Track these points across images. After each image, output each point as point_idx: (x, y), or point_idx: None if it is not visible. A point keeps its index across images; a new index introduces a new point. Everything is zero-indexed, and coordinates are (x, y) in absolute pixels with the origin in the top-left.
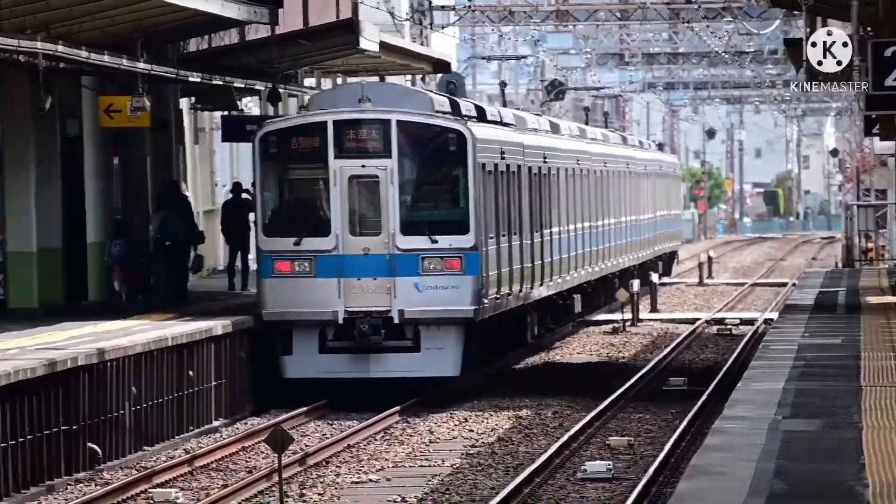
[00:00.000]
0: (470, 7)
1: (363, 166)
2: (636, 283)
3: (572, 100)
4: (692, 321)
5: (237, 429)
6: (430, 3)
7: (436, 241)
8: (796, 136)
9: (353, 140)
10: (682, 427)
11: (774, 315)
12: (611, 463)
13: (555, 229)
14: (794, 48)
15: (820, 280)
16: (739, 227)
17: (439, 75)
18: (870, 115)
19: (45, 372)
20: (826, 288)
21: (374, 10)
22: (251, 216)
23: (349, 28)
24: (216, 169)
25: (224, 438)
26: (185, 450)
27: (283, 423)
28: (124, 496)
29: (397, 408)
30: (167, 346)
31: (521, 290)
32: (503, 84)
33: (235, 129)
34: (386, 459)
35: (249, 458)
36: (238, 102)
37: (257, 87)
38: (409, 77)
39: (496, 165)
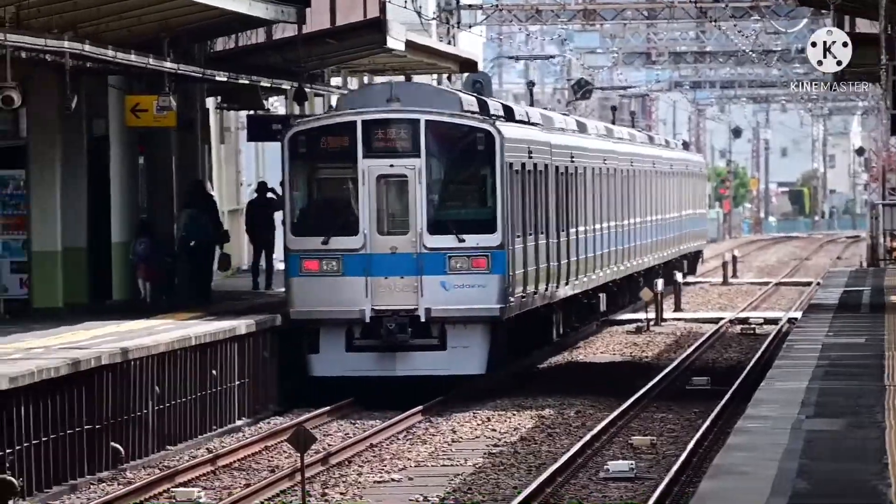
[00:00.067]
0: (497, 6)
1: (391, 166)
2: (660, 283)
3: (598, 99)
4: (716, 321)
5: (260, 428)
6: (458, 2)
7: (463, 240)
8: (822, 135)
9: (382, 140)
10: (704, 426)
11: (798, 314)
12: (633, 462)
13: (581, 228)
14: None
15: (844, 279)
16: (764, 226)
17: (465, 74)
18: None
19: (69, 371)
20: (850, 287)
21: (401, 9)
22: (276, 216)
23: (376, 27)
24: (241, 168)
25: (247, 438)
26: (207, 449)
27: (306, 423)
28: (147, 495)
29: (420, 407)
30: (190, 345)
31: (546, 289)
32: (531, 84)
33: (261, 129)
34: (408, 459)
35: (272, 457)
36: (264, 102)
37: (284, 87)
38: (435, 76)
39: (523, 165)
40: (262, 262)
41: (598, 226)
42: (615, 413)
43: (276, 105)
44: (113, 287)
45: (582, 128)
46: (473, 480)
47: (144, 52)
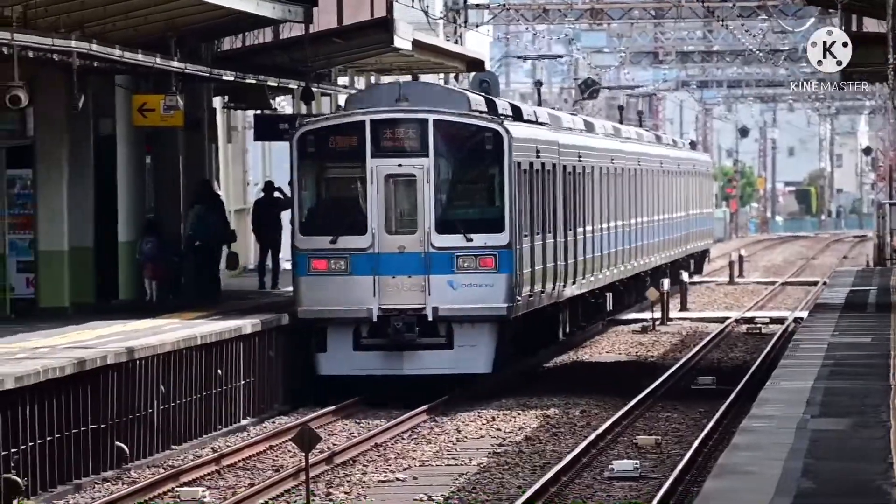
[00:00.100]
0: (504, 5)
1: (400, 165)
2: (666, 282)
3: (605, 98)
4: (722, 320)
5: (265, 428)
6: (465, 1)
7: (471, 240)
8: (829, 134)
9: (391, 139)
10: (709, 426)
11: (804, 314)
12: (638, 462)
13: (588, 228)
14: None
15: (851, 279)
16: (771, 225)
17: (472, 74)
18: None
19: (75, 371)
20: (857, 287)
21: (409, 8)
22: (283, 215)
23: (383, 26)
24: (248, 168)
25: (252, 437)
26: (212, 449)
27: (311, 422)
28: (151, 495)
29: (425, 407)
30: (196, 344)
31: (553, 289)
32: (539, 83)
33: (268, 128)
34: (413, 458)
35: (277, 457)
36: (271, 101)
37: (290, 86)
38: (442, 76)
39: (531, 164)
40: (269, 262)
41: (605, 225)
42: (620, 412)
43: (283, 104)
44: (119, 287)
45: (590, 127)
46: (478, 480)
47: (151, 52)
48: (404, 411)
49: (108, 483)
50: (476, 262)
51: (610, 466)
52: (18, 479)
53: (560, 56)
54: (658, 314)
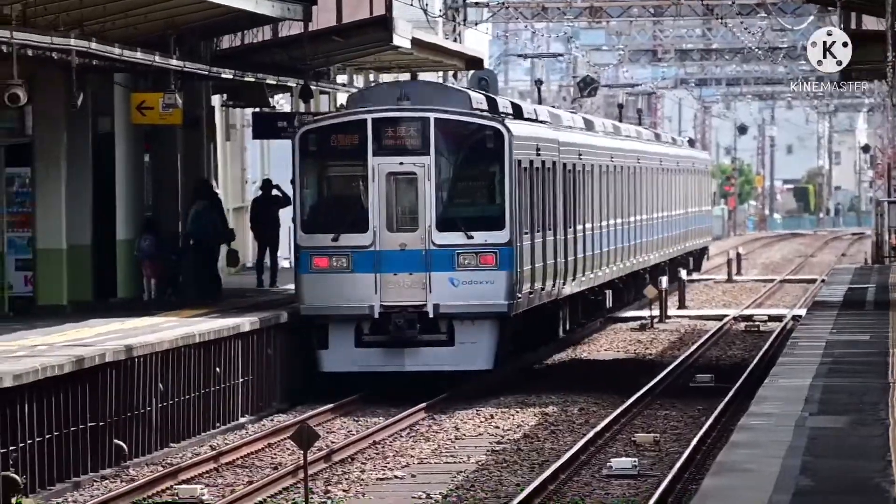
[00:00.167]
0: (503, 3)
1: (401, 163)
2: (664, 280)
3: (604, 96)
4: (720, 318)
5: (263, 425)
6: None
7: (471, 237)
8: (828, 132)
9: (392, 137)
10: (708, 424)
11: (803, 311)
12: (636, 460)
13: (588, 225)
14: None
15: (849, 276)
16: (769, 223)
17: (471, 72)
18: None
19: (73, 368)
20: (855, 284)
21: (408, 6)
22: (281, 213)
23: (382, 25)
24: (247, 166)
25: (250, 435)
26: (211, 447)
27: (309, 420)
28: (150, 493)
29: (423, 404)
30: (194, 342)
31: (553, 286)
32: (539, 82)
33: (266, 126)
34: (411, 456)
35: (275, 454)
36: (270, 99)
37: (289, 84)
38: (440, 74)
39: (531, 162)
40: (267, 260)
41: (605, 223)
42: (618, 410)
43: (282, 102)
44: (118, 284)
45: (589, 125)
46: (476, 478)
47: (150, 50)
48: (403, 409)
49: (107, 481)
50: (477, 259)
51: (608, 464)
52: (17, 477)
53: (560, 54)
54: (656, 312)
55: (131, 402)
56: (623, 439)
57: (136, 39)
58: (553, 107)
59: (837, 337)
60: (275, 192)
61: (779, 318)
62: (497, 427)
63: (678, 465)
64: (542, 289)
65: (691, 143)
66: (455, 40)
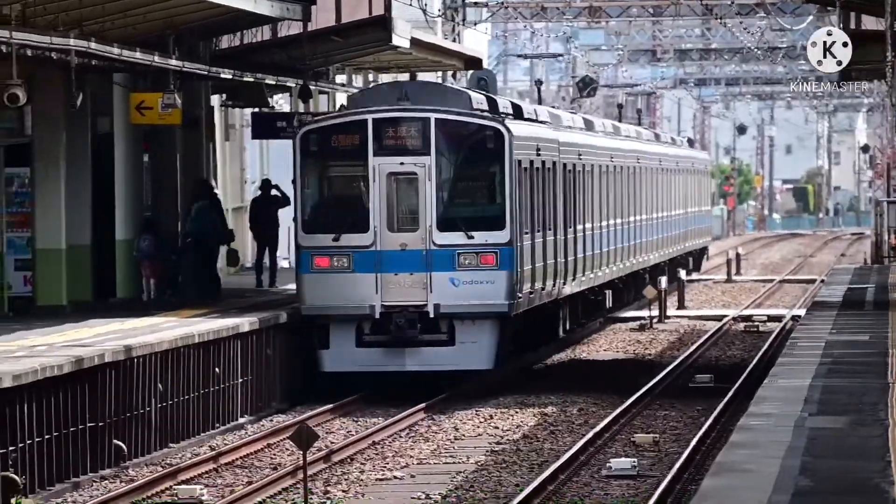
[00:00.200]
0: (502, 3)
1: (402, 163)
2: (664, 280)
3: (603, 96)
4: (719, 318)
5: (262, 426)
6: None
7: (472, 237)
8: (827, 132)
9: (393, 138)
10: (707, 424)
11: (802, 312)
12: (636, 460)
13: (588, 225)
14: None
15: (848, 277)
16: (769, 223)
17: (470, 72)
18: None
19: (73, 369)
20: (854, 284)
21: (407, 6)
22: (280, 213)
23: (381, 25)
24: (246, 166)
25: (249, 435)
26: (210, 447)
27: (309, 420)
28: (149, 493)
29: (422, 405)
30: (194, 343)
31: (554, 286)
32: (539, 82)
33: (265, 126)
34: (411, 456)
35: (274, 455)
36: (269, 99)
37: (288, 84)
38: (439, 74)
39: (532, 162)
40: (266, 260)
41: (605, 223)
42: (618, 410)
43: (281, 102)
44: (117, 285)
45: (589, 125)
46: (476, 478)
47: (149, 50)
48: (402, 409)
49: (106, 481)
50: (477, 259)
51: (608, 465)
52: (17, 478)
53: (559, 55)
54: (656, 312)
55: (131, 403)
56: (622, 440)
57: (135, 39)
58: (553, 107)
59: (837, 337)
60: (274, 192)
61: (778, 319)
62: (496, 427)
63: (677, 465)
64: (543, 289)
65: (690, 143)
66: (454, 40)
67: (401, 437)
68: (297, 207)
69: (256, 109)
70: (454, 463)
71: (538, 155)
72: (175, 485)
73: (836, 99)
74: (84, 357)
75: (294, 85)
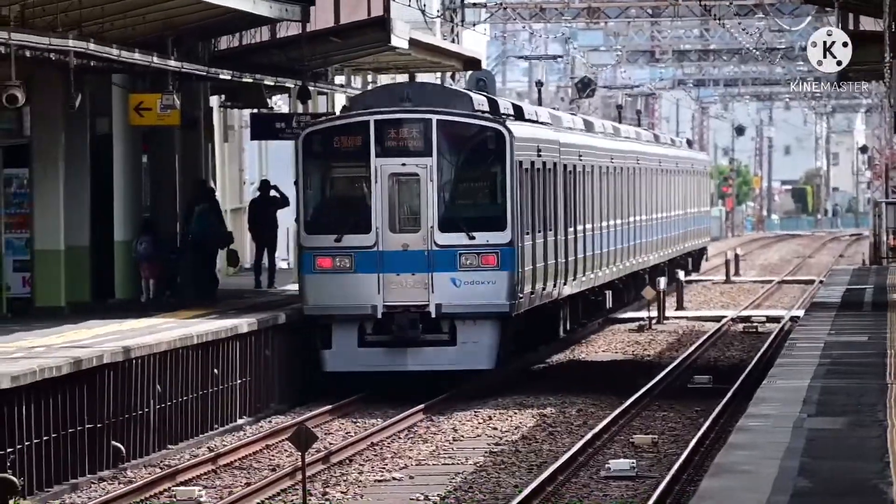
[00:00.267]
0: (501, 4)
1: (404, 164)
2: (663, 281)
3: (602, 97)
4: (718, 319)
5: (261, 427)
6: (462, 0)
7: (473, 238)
8: (825, 132)
9: (395, 139)
10: (706, 425)
11: (801, 312)
12: (634, 461)
13: (588, 226)
14: None
15: (847, 277)
16: (767, 224)
17: (469, 72)
18: None
19: (71, 370)
20: (853, 285)
21: (406, 7)
22: (279, 214)
23: (380, 25)
24: (245, 167)
25: (248, 437)
26: (208, 448)
27: (308, 422)
28: (147, 494)
29: (421, 406)
30: (192, 344)
31: (554, 286)
32: (539, 83)
33: (264, 127)
34: (409, 457)
35: (273, 456)
36: (268, 100)
37: (287, 85)
38: (438, 74)
39: (532, 163)
40: (265, 261)
41: (605, 223)
42: (616, 412)
43: (280, 103)
44: (116, 286)
45: (589, 127)
46: (474, 479)
47: (148, 51)
48: (401, 410)
49: (105, 483)
50: (478, 259)
51: (606, 465)
52: (14, 479)
53: (559, 56)
54: (654, 313)
55: (129, 404)
56: (621, 441)
57: (134, 40)
58: (553, 108)
59: (835, 338)
60: (273, 192)
61: (777, 319)
62: (495, 428)
63: (676, 466)
64: (543, 289)
65: (689, 143)
66: (453, 41)
67: (400, 438)
68: (299, 208)
69: (255, 110)
70: (453, 464)
71: (539, 156)
72: (173, 486)
73: (835, 100)
74: (82, 358)
75: (293, 86)
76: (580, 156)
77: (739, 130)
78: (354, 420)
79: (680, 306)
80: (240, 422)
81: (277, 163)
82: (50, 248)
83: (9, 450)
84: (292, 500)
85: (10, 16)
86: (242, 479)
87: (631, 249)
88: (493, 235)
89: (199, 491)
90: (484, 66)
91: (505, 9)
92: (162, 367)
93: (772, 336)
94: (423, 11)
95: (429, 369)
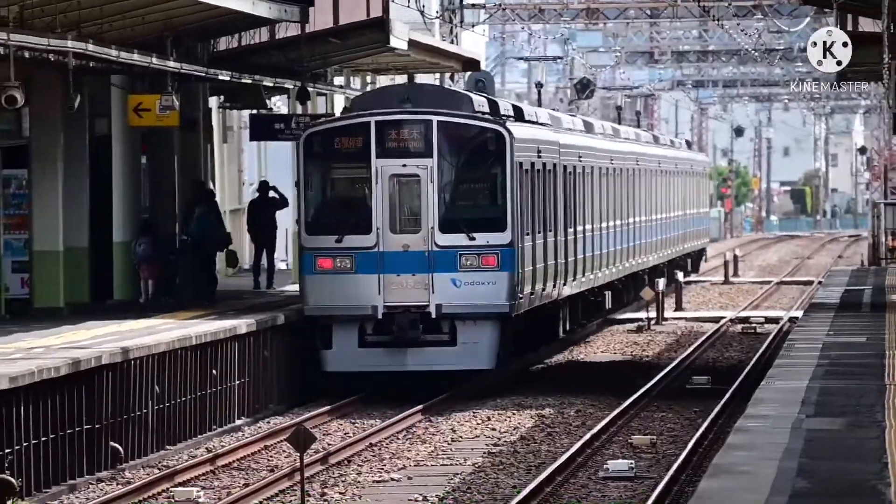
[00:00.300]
0: (500, 5)
1: (404, 165)
2: (661, 282)
3: (601, 98)
4: (717, 319)
5: (260, 428)
6: (461, 1)
7: (473, 238)
8: (824, 133)
9: (395, 140)
10: (704, 426)
11: (799, 313)
12: (633, 462)
13: (588, 227)
14: None
15: (846, 278)
16: (766, 225)
17: (468, 73)
18: None
19: (70, 371)
20: (852, 286)
21: (404, 8)
22: (278, 215)
23: (379, 26)
24: (244, 168)
25: (246, 437)
26: (207, 449)
27: (306, 422)
28: (146, 495)
29: (420, 406)
30: (191, 344)
31: (554, 287)
32: (539, 85)
33: (263, 128)
34: (408, 458)
35: (271, 457)
36: (267, 101)
37: (286, 86)
38: (437, 75)
39: (533, 164)
40: (264, 262)
41: (604, 224)
42: (615, 412)
43: (279, 104)
44: (114, 287)
45: (589, 128)
46: (473, 480)
47: (147, 52)
48: (400, 411)
49: (103, 483)
50: (479, 260)
51: (605, 466)
52: (13, 480)
53: (558, 58)
54: (653, 314)
55: (127, 405)
56: (620, 441)
57: (133, 41)
58: (553, 109)
59: (834, 339)
60: (272, 193)
61: (775, 320)
62: (493, 429)
63: (675, 467)
64: (543, 289)
65: (688, 144)
66: (452, 42)
67: (398, 438)
68: (300, 209)
69: (254, 111)
70: (451, 465)
71: (539, 157)
72: (172, 487)
73: (834, 101)
74: (81, 359)
75: (292, 87)
76: (580, 157)
77: (738, 131)
78: (353, 421)
79: (679, 307)
80: (238, 422)
81: (276, 164)
82: (49, 249)
83: (7, 450)
84: (291, 501)
85: (9, 16)
86: (241, 479)
87: (630, 250)
88: (493, 236)
89: (198, 492)
90: (483, 67)
91: (504, 10)
92: (160, 367)
93: (770, 337)
94: (422, 12)
95: (429, 369)
